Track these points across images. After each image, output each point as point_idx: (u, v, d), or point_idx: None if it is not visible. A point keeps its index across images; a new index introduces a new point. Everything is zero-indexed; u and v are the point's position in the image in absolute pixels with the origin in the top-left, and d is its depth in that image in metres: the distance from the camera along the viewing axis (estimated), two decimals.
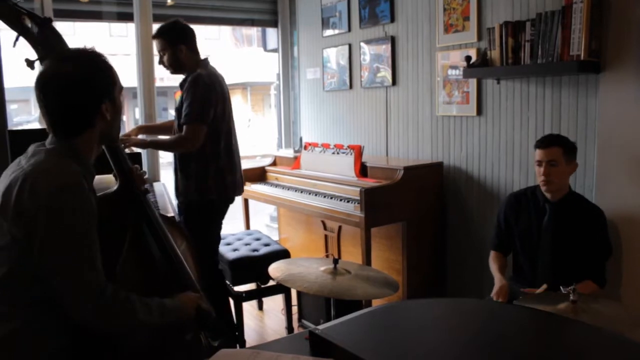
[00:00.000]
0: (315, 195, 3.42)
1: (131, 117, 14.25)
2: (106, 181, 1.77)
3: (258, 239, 3.48)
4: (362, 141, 3.90)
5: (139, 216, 1.61)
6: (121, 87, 1.47)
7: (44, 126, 1.42)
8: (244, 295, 3.17)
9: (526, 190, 2.48)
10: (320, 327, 1.22)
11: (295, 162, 3.88)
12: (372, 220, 2.99)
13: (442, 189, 3.33)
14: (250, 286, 3.39)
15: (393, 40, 3.61)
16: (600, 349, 1.22)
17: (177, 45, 2.77)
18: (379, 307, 1.59)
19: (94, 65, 1.40)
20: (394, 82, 3.64)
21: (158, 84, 4.10)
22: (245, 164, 3.27)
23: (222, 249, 3.23)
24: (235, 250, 3.27)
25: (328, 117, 4.33)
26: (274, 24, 4.74)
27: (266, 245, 3.35)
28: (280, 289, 3.24)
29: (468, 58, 2.86)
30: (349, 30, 3.99)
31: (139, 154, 3.18)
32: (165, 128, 3.13)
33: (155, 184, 3.57)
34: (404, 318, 1.40)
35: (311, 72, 4.49)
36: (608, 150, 2.50)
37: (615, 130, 2.46)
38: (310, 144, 3.77)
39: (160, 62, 2.84)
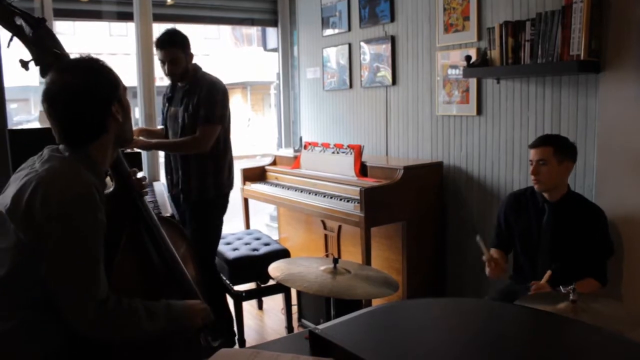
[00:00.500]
0: (315, 194, 3.43)
1: (131, 117, 14.24)
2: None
3: (258, 239, 3.48)
4: (362, 141, 3.90)
5: (136, 219, 1.60)
6: (125, 87, 1.48)
7: (44, 125, 1.42)
8: (243, 294, 3.17)
9: (526, 190, 2.48)
10: (320, 326, 1.22)
11: (295, 161, 3.88)
12: (372, 220, 3.00)
13: (442, 189, 3.33)
14: (250, 286, 3.39)
15: (393, 40, 3.61)
16: (600, 349, 1.22)
17: (188, 53, 2.84)
18: (379, 307, 1.59)
19: (96, 71, 1.41)
20: (394, 82, 3.64)
21: (158, 83, 4.10)
22: (245, 164, 3.29)
23: (222, 248, 3.23)
24: (235, 249, 3.27)
25: (328, 116, 4.33)
26: (273, 23, 4.74)
27: (266, 244, 3.35)
28: (280, 288, 3.24)
29: (468, 58, 2.86)
30: (349, 29, 3.99)
31: (139, 153, 3.17)
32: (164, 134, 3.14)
33: (155, 184, 3.57)
34: (403, 318, 1.40)
35: (311, 72, 4.49)
36: (608, 149, 2.50)
37: (615, 130, 2.46)
38: (310, 144, 3.77)
39: (170, 70, 2.83)
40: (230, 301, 3.16)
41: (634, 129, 2.40)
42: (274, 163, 4.15)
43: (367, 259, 3.01)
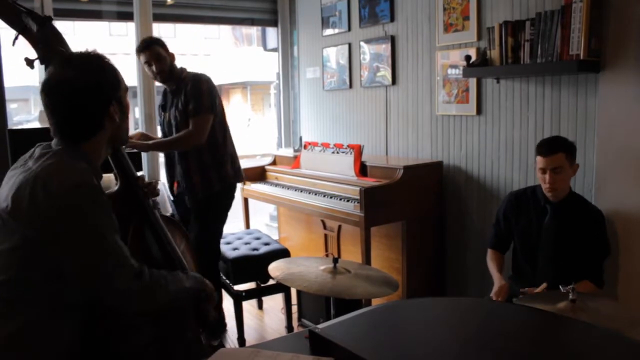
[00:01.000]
0: (315, 194, 3.43)
1: (131, 117, 14.21)
2: (105, 181, 1.77)
3: (258, 238, 3.48)
4: (362, 140, 3.90)
5: (140, 217, 1.61)
6: (126, 88, 1.47)
7: (44, 125, 1.41)
8: (243, 294, 3.17)
9: (526, 189, 2.48)
10: (320, 326, 1.23)
11: (295, 161, 3.88)
12: (372, 220, 3.00)
13: (442, 188, 3.34)
14: (250, 285, 3.39)
15: (393, 40, 3.61)
16: (599, 348, 1.23)
17: (168, 52, 2.94)
18: (379, 306, 1.59)
19: (99, 68, 1.40)
20: (393, 82, 3.64)
21: (158, 83, 4.10)
22: (245, 164, 3.30)
23: (222, 247, 3.23)
24: (235, 249, 3.27)
25: (328, 116, 4.33)
26: (273, 23, 4.74)
27: (266, 244, 3.35)
28: (280, 288, 3.24)
29: (468, 57, 2.86)
30: (349, 29, 3.99)
31: (139, 153, 3.17)
32: None
33: None
34: (403, 317, 1.40)
35: (311, 72, 4.49)
36: (607, 149, 2.50)
37: (615, 130, 2.46)
38: (310, 144, 3.77)
39: (157, 69, 2.89)
40: (230, 301, 3.16)
41: (633, 128, 2.40)
42: (273, 163, 4.16)
43: (367, 259, 3.02)
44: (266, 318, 3.72)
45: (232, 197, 3.08)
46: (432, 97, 3.37)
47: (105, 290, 1.33)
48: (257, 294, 3.60)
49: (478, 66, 2.82)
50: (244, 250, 3.24)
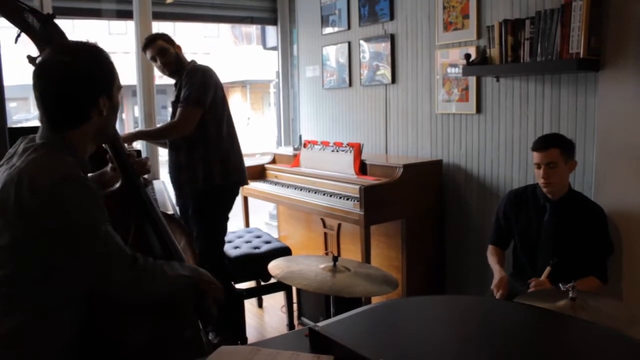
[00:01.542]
0: (315, 193, 3.43)
1: (130, 116, 14.23)
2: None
3: (259, 237, 3.48)
4: (362, 139, 3.90)
5: (141, 212, 1.61)
6: (120, 86, 1.45)
7: None
8: (244, 292, 3.18)
9: (526, 188, 2.49)
10: (320, 324, 1.23)
11: (294, 160, 3.88)
12: (372, 218, 3.00)
13: (442, 187, 3.34)
14: (250, 283, 3.39)
15: (392, 38, 3.61)
16: (599, 346, 1.23)
17: (174, 44, 2.91)
18: (379, 305, 1.59)
19: (94, 58, 1.39)
20: (393, 80, 3.64)
21: (157, 82, 4.10)
22: (244, 162, 3.28)
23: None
24: (236, 247, 3.27)
25: (327, 115, 4.33)
26: (273, 21, 4.74)
27: (267, 242, 3.35)
28: (281, 286, 3.25)
29: (467, 56, 2.86)
30: (349, 28, 3.99)
31: (139, 151, 3.18)
32: None
33: (154, 182, 3.57)
34: (403, 315, 1.41)
35: (310, 70, 4.49)
36: (607, 147, 2.50)
37: (615, 128, 2.47)
38: (309, 142, 3.77)
39: (162, 62, 2.88)
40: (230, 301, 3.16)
41: (633, 127, 2.40)
42: (273, 161, 4.16)
43: (367, 257, 3.02)
44: (266, 316, 3.73)
45: (221, 200, 2.95)
46: (431, 95, 3.37)
47: (102, 280, 1.34)
48: (258, 293, 3.61)
49: (478, 65, 2.82)
50: (245, 249, 3.24)
